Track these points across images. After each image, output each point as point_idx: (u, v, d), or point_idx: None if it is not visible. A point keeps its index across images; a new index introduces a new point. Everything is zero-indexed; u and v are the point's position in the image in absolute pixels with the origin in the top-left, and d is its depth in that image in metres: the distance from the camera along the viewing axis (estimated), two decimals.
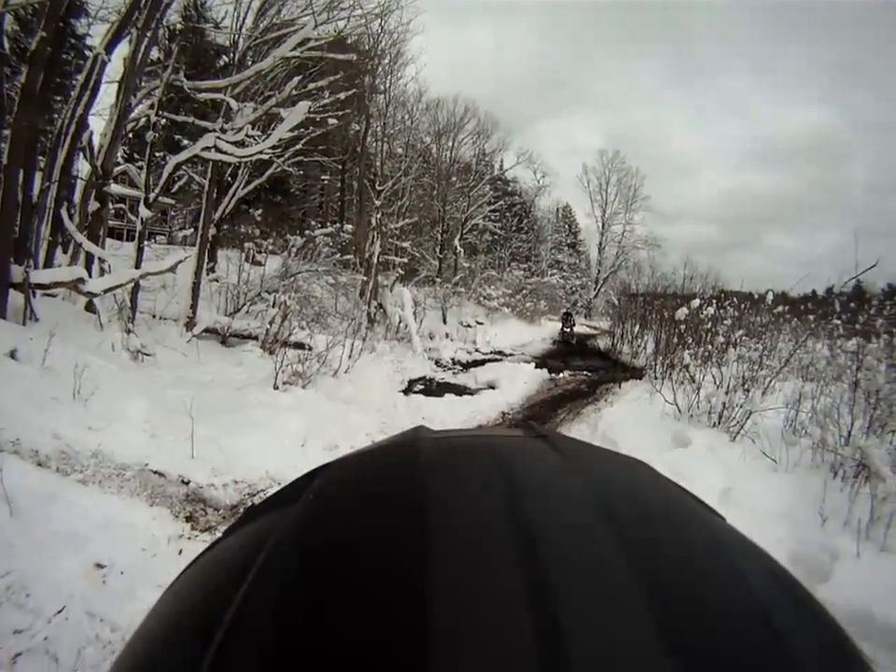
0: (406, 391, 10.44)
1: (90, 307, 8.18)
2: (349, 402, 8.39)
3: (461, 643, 0.29)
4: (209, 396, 7.00)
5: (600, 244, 43.74)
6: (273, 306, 10.39)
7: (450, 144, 27.45)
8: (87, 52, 11.05)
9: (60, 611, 2.89)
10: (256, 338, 10.32)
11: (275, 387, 8.18)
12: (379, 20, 15.44)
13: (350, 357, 10.27)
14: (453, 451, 0.50)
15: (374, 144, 20.04)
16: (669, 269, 24.54)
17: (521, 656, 0.28)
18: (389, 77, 19.53)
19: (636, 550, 0.35)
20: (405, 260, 20.50)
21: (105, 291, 7.80)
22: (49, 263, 8.71)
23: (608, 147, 63.01)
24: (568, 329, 22.48)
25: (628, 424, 7.60)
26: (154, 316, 9.99)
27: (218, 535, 0.49)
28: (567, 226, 44.95)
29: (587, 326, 28.76)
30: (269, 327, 10.14)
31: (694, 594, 0.35)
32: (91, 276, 8.01)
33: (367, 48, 17.29)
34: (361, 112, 17.76)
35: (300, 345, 9.73)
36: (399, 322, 15.73)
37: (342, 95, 13.29)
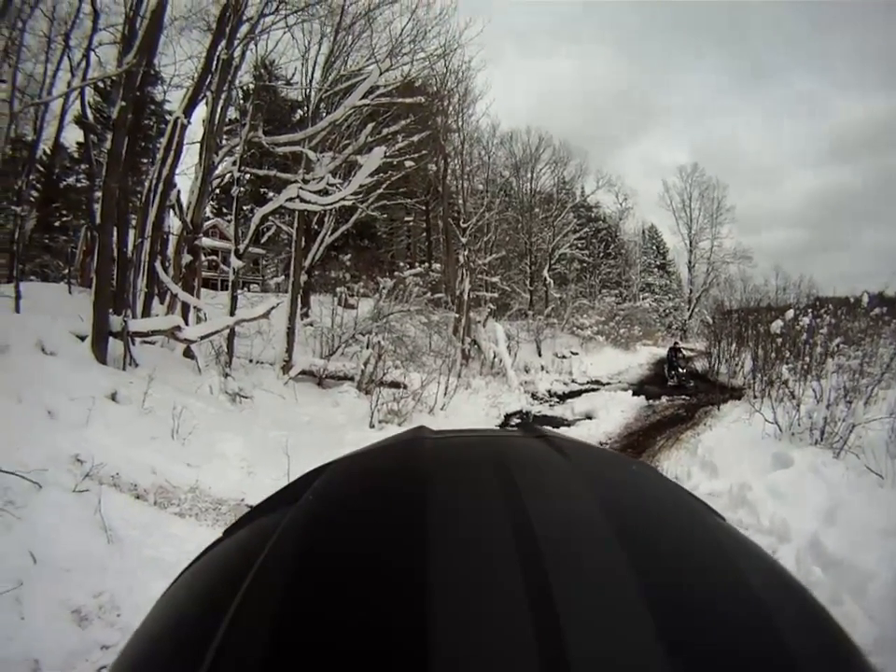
0: (502, 425, 10.24)
1: (188, 353, 8.47)
2: None
3: (462, 643, 0.28)
4: (306, 435, 7.06)
5: (689, 262, 41.93)
6: (368, 347, 10.55)
7: (529, 175, 27.31)
8: (167, 117, 11.71)
9: None
10: (351, 379, 10.48)
11: (371, 426, 8.26)
12: (442, 60, 15.65)
13: (445, 393, 10.47)
14: (453, 451, 0.50)
15: (454, 182, 20.17)
16: (761, 280, 24.33)
17: (521, 656, 0.28)
18: (461, 115, 19.68)
19: (636, 549, 0.35)
20: (496, 295, 20.42)
21: (202, 338, 8.02)
22: (146, 313, 9.14)
23: (686, 162, 61.06)
24: (683, 370, 16.76)
25: (728, 447, 7.39)
26: (251, 361, 10.27)
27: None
28: (654, 247, 43.52)
29: (684, 348, 27.64)
30: (364, 367, 10.31)
31: (694, 593, 0.35)
32: (187, 324, 8.29)
33: (435, 89, 17.53)
34: (438, 152, 17.92)
35: (395, 384, 9.88)
36: (494, 357, 15.71)
37: (416, 137, 13.63)
